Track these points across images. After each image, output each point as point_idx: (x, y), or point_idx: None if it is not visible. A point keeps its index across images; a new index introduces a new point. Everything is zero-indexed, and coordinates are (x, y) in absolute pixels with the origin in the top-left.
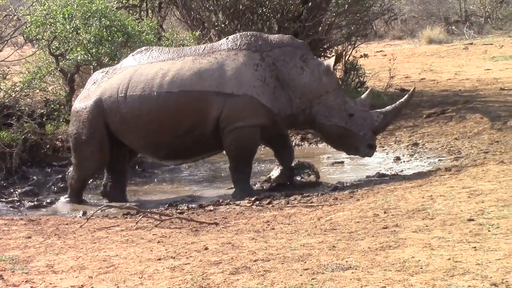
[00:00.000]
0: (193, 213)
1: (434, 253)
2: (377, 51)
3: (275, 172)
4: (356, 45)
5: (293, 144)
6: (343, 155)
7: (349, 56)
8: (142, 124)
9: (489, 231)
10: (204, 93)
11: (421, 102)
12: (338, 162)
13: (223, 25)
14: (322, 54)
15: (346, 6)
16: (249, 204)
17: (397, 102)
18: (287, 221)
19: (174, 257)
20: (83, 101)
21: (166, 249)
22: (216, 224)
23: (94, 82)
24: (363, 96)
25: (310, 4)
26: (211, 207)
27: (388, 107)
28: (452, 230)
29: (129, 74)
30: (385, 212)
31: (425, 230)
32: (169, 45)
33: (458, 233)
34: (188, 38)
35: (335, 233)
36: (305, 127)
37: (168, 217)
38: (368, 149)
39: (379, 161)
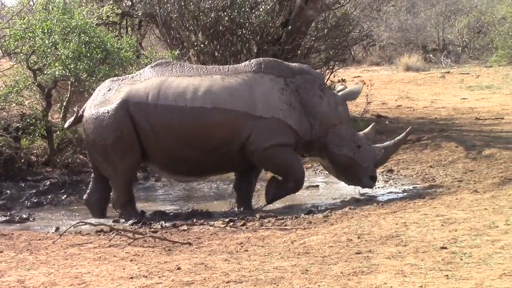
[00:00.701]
0: (166, 232)
1: (406, 280)
2: (355, 77)
3: None
4: (334, 70)
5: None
6: (318, 179)
7: (327, 80)
8: (172, 136)
9: (461, 259)
10: (236, 112)
11: (397, 129)
12: (313, 186)
13: (202, 45)
14: None
15: (326, 30)
16: (223, 225)
17: (396, 139)
18: (260, 243)
19: (146, 276)
20: (101, 106)
21: (138, 268)
22: (190, 244)
23: (110, 89)
24: (367, 130)
25: (289, 27)
26: (185, 227)
27: (388, 143)
28: (424, 257)
29: (157, 84)
30: (358, 238)
31: (398, 256)
32: (148, 63)
33: (430, 260)
34: (167, 57)
35: (308, 257)
36: (313, 155)
37: (141, 236)
38: (370, 181)
39: (354, 186)
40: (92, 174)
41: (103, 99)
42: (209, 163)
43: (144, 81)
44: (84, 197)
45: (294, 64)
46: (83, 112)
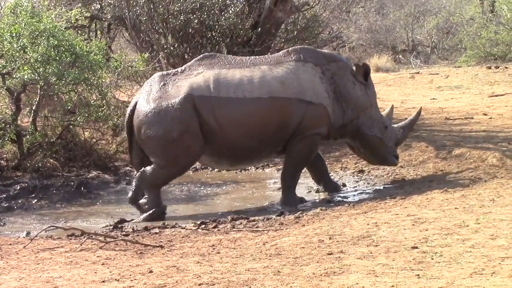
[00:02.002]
0: (138, 235)
1: (378, 280)
2: None
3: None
4: None
5: (239, 168)
6: None
7: None
8: (235, 127)
9: (432, 259)
10: (289, 100)
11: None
12: None
13: (172, 48)
14: None
15: (295, 32)
16: (194, 228)
17: (409, 119)
18: (232, 245)
19: (118, 280)
20: (162, 100)
21: (110, 272)
22: (161, 247)
23: (164, 84)
24: (387, 111)
25: (259, 29)
26: (157, 230)
27: (403, 123)
28: (396, 257)
29: (213, 76)
30: (330, 238)
31: (369, 256)
32: (118, 67)
33: (401, 260)
34: (137, 60)
35: (280, 258)
36: (345, 137)
37: (113, 239)
38: (394, 159)
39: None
40: (135, 172)
41: (162, 94)
42: (264, 150)
43: (198, 74)
44: (129, 195)
45: (326, 51)
46: (133, 107)
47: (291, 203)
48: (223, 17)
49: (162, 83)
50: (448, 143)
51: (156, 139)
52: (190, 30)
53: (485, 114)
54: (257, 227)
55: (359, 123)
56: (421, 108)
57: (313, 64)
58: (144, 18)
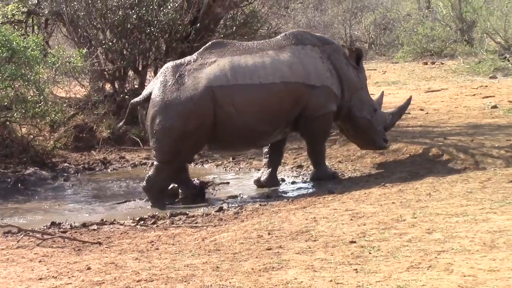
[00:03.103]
0: (76, 232)
1: (316, 274)
2: None
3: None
4: None
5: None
6: (228, 176)
7: None
8: (252, 113)
9: (370, 253)
10: (297, 84)
11: None
12: (224, 183)
13: (110, 44)
14: None
15: (234, 28)
16: (133, 224)
17: (399, 106)
18: (171, 241)
19: (55, 277)
20: (180, 92)
21: (47, 269)
22: (100, 243)
23: (180, 75)
24: (377, 96)
25: (198, 25)
26: (95, 226)
27: (394, 110)
28: (334, 252)
29: (228, 64)
30: (269, 234)
31: (308, 251)
32: (55, 62)
33: (340, 255)
34: (74, 55)
35: (219, 254)
36: (339, 119)
37: (50, 236)
38: (384, 142)
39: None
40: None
41: (180, 85)
42: (275, 132)
43: (213, 63)
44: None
45: (318, 34)
46: (147, 97)
47: (325, 176)
48: (162, 13)
49: (178, 74)
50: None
51: (170, 130)
52: (129, 25)
53: (422, 110)
54: (196, 222)
55: (350, 105)
56: (410, 96)
57: (311, 45)
58: (82, 13)
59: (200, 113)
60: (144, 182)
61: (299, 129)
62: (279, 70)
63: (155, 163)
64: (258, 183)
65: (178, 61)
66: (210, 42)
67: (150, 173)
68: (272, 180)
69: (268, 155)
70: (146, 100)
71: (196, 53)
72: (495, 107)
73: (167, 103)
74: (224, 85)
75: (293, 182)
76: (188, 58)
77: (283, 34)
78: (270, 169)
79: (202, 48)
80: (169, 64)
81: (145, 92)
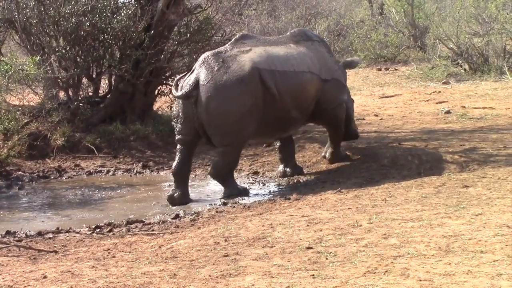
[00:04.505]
0: (31, 240)
1: (273, 281)
2: None
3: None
4: None
5: (134, 172)
6: None
7: None
8: (291, 98)
9: (326, 259)
10: (317, 75)
11: None
12: None
13: (63, 51)
14: (165, 82)
15: (188, 35)
16: (89, 232)
17: None
18: (128, 249)
19: (11, 286)
20: (231, 75)
21: (3, 278)
22: (56, 252)
23: (223, 60)
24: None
25: (152, 32)
26: (50, 235)
27: None
28: (291, 258)
29: (265, 52)
30: (226, 240)
31: (265, 258)
32: (8, 70)
33: (297, 261)
34: (28, 63)
35: (176, 261)
36: None
37: (5, 245)
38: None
39: (221, 189)
40: (180, 147)
41: (227, 69)
42: (300, 121)
43: (250, 51)
44: (173, 168)
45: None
46: (194, 86)
47: (339, 159)
48: (115, 20)
49: (221, 59)
50: (341, 144)
51: (228, 114)
52: (82, 32)
53: (376, 115)
54: (152, 230)
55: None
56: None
57: (316, 41)
58: (35, 21)
59: (252, 93)
60: (211, 168)
61: (314, 120)
62: (305, 61)
63: (219, 149)
64: (283, 174)
65: (214, 51)
66: (239, 34)
67: (215, 159)
68: (297, 169)
69: (281, 149)
70: (194, 88)
71: (228, 44)
72: (448, 112)
73: (219, 87)
74: (267, 68)
75: (249, 188)
76: (222, 48)
77: (292, 31)
78: (291, 160)
79: (233, 39)
80: (208, 53)
81: (189, 82)
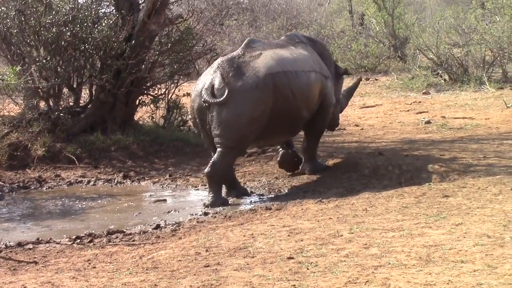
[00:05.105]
0: (11, 251)
1: None
2: None
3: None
4: (179, 84)
5: (115, 182)
6: (165, 193)
7: (172, 94)
8: (302, 97)
9: (308, 269)
10: (320, 73)
11: None
12: (161, 200)
13: (44, 61)
14: (146, 92)
15: (169, 45)
16: (70, 242)
17: (348, 88)
18: (108, 259)
19: None
20: (245, 80)
21: None
22: (36, 263)
23: (237, 65)
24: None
25: (133, 42)
26: (30, 246)
27: (343, 92)
28: (272, 268)
29: (273, 55)
30: (207, 251)
31: (246, 268)
32: None
33: (278, 271)
34: (8, 73)
35: (157, 272)
36: None
37: None
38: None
39: (202, 200)
40: (209, 150)
41: (242, 75)
42: (304, 122)
43: (260, 55)
44: (207, 170)
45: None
46: (209, 89)
47: (319, 168)
48: (96, 30)
49: (235, 65)
50: (322, 154)
51: (239, 117)
52: (63, 42)
53: (357, 125)
54: (133, 240)
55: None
56: (360, 77)
57: (310, 45)
58: (15, 31)
59: (264, 99)
60: (208, 167)
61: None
62: (308, 61)
63: (221, 149)
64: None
65: (228, 56)
66: (247, 40)
67: (214, 159)
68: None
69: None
70: (206, 93)
71: (239, 49)
72: (428, 122)
73: (234, 92)
74: (280, 71)
75: (229, 199)
76: (234, 53)
77: (287, 35)
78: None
79: (243, 44)
80: (222, 59)
81: (203, 85)
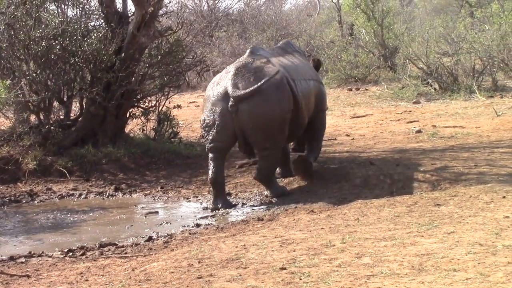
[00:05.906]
0: (3, 265)
1: None
2: (190, 102)
3: None
4: (169, 96)
5: (107, 194)
6: (157, 205)
7: (163, 106)
8: (306, 104)
9: (300, 279)
10: (316, 81)
11: (234, 153)
12: (152, 212)
13: (34, 74)
14: (136, 104)
15: (159, 57)
16: (62, 256)
17: None
18: (101, 272)
19: None
20: (268, 84)
21: None
22: (28, 276)
23: (255, 71)
24: None
25: (123, 54)
26: (23, 259)
27: None
28: (265, 278)
29: (279, 62)
30: (199, 262)
31: (238, 279)
32: None
33: (270, 281)
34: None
35: (150, 284)
36: None
37: None
38: None
39: (194, 211)
40: (213, 155)
41: (261, 78)
42: (304, 128)
43: (269, 61)
44: (210, 177)
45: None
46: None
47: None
48: (86, 43)
49: (252, 70)
50: (314, 165)
51: (273, 119)
52: (53, 56)
53: (348, 135)
54: (125, 253)
55: None
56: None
57: (300, 53)
58: (5, 45)
59: (287, 99)
60: (256, 173)
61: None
62: (305, 69)
63: (263, 153)
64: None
65: (240, 63)
66: (250, 48)
67: (259, 164)
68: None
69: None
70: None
71: (246, 56)
72: (419, 131)
73: (261, 95)
74: (288, 77)
75: (222, 210)
76: (244, 60)
77: (281, 43)
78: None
79: (248, 52)
80: (237, 65)
81: (218, 91)
